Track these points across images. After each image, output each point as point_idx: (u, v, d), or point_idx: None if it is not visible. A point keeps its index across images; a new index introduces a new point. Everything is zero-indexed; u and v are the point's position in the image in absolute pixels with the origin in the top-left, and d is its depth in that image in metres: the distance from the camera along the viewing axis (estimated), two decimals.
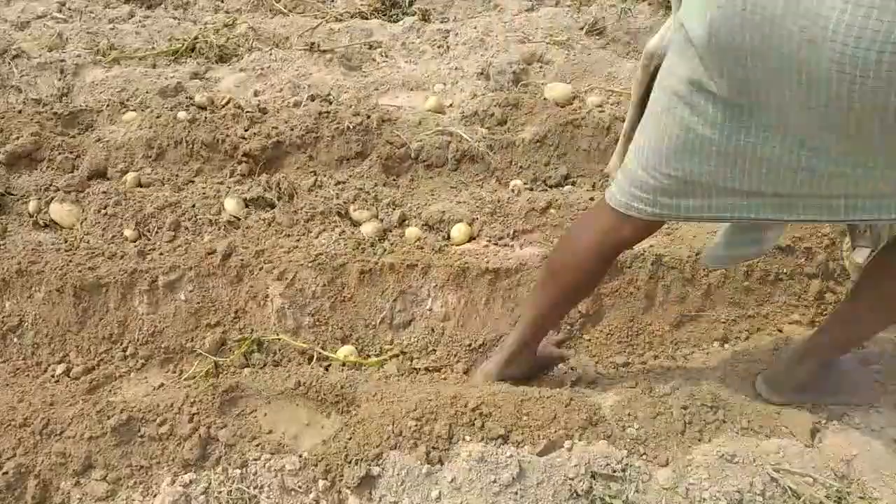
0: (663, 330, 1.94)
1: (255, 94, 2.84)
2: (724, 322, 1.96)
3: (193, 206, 2.17)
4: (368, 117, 2.54)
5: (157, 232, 2.13)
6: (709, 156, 1.20)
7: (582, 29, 3.02)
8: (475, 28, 3.03)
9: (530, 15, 3.11)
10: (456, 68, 2.88)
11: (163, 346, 1.95)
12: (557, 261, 1.58)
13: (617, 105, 2.55)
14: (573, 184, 2.46)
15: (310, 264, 1.96)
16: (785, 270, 2.02)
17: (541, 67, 2.91)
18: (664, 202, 1.31)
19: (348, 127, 2.50)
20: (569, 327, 1.95)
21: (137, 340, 1.96)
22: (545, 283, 1.60)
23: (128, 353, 1.95)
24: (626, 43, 2.99)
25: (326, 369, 1.88)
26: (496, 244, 2.10)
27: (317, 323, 1.94)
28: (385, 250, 2.04)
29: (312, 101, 2.76)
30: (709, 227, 2.04)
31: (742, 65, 1.07)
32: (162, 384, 1.89)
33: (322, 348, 1.92)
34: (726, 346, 1.90)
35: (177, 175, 2.47)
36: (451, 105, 2.76)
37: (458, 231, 2.10)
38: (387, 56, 3.01)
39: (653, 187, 1.30)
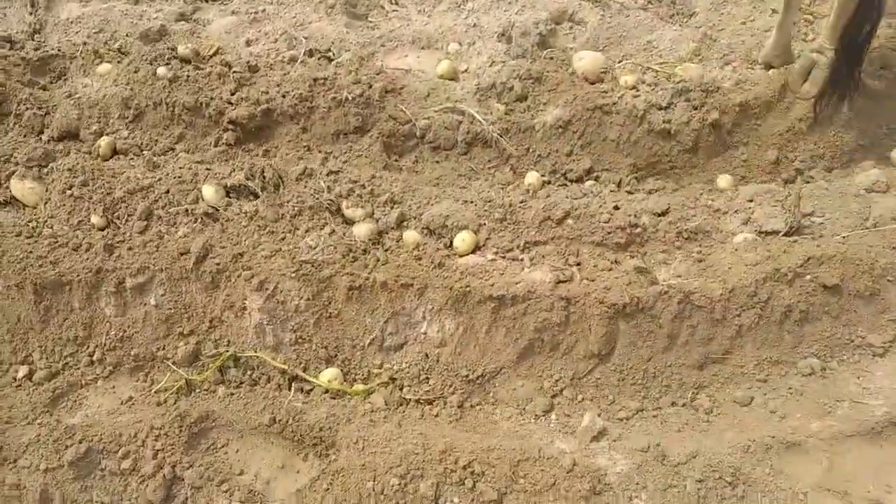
0: (683, 373, 1.74)
1: (247, 43, 2.52)
2: (756, 365, 1.75)
3: (168, 191, 1.93)
4: (370, 87, 2.24)
5: (127, 220, 1.91)
6: None
7: None
8: None
9: None
10: (474, 25, 2.54)
11: (132, 352, 1.78)
12: None
13: (654, 87, 2.22)
14: (596, 178, 2.18)
15: (293, 274, 1.74)
16: (827, 310, 1.79)
17: (571, 28, 2.55)
18: None
19: (347, 98, 2.21)
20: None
21: (105, 345, 1.78)
22: None
23: (94, 358, 1.78)
24: (671, 3, 2.61)
25: (308, 394, 1.71)
26: (504, 257, 1.87)
27: (299, 340, 1.74)
28: (379, 260, 1.81)
29: (311, 56, 2.44)
30: (748, 260, 1.79)
31: None
32: (130, 397, 1.73)
33: (304, 369, 1.74)
34: (755, 400, 1.69)
35: (156, 141, 2.21)
36: (465, 70, 2.44)
37: (463, 241, 1.87)
38: (397, 3, 2.66)
39: None
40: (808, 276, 1.77)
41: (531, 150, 2.22)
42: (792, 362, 1.76)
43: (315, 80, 2.26)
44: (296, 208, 1.92)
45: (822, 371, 1.74)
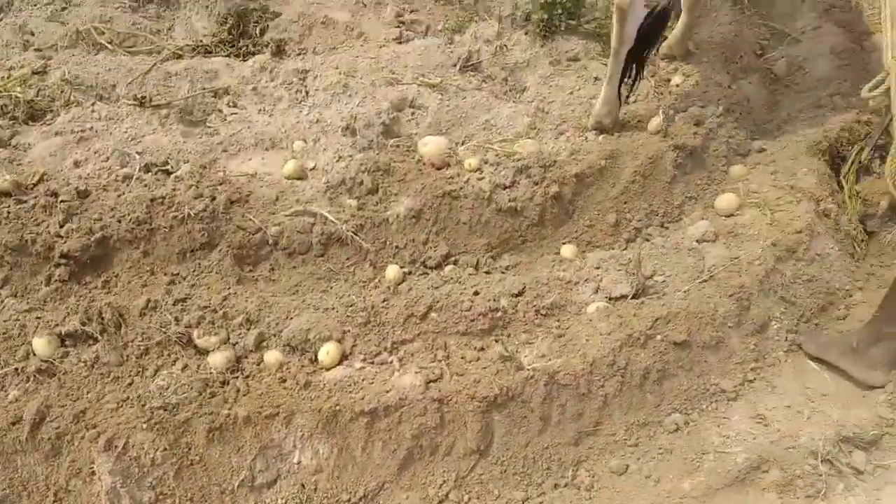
0: (561, 452, 1.77)
1: (76, 164, 2.37)
2: (626, 430, 1.81)
3: None
4: (214, 199, 2.17)
5: None
6: None
7: (455, 65, 2.73)
8: (337, 68, 2.67)
9: (399, 49, 2.78)
10: (317, 120, 2.53)
11: None
12: None
13: (496, 167, 2.30)
14: (455, 263, 2.21)
15: (145, 425, 1.62)
16: (681, 365, 1.89)
17: (413, 114, 2.61)
18: None
19: (189, 214, 2.12)
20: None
21: None
22: None
23: None
24: (504, 80, 2.74)
25: None
26: (372, 363, 1.84)
27: (160, 497, 1.61)
28: (240, 390, 1.73)
29: (147, 171, 2.33)
30: (602, 330, 1.86)
31: None
32: None
33: None
34: (630, 467, 1.75)
35: None
36: (313, 167, 2.42)
37: (327, 353, 1.82)
38: (235, 105, 2.61)
39: None
40: (659, 336, 1.87)
41: (388, 243, 2.22)
42: (658, 422, 1.84)
43: (153, 199, 2.15)
44: (141, 347, 1.80)
45: (685, 425, 1.83)
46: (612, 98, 2.41)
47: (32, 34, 2.84)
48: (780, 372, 1.95)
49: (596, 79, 2.67)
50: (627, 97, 2.46)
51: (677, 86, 2.60)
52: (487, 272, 2.19)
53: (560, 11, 2.73)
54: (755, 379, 1.92)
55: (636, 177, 2.32)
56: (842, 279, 2.17)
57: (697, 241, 2.19)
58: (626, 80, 2.38)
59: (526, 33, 2.81)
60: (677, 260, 2.11)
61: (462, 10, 2.97)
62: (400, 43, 2.85)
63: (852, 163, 2.43)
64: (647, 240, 2.26)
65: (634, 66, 2.36)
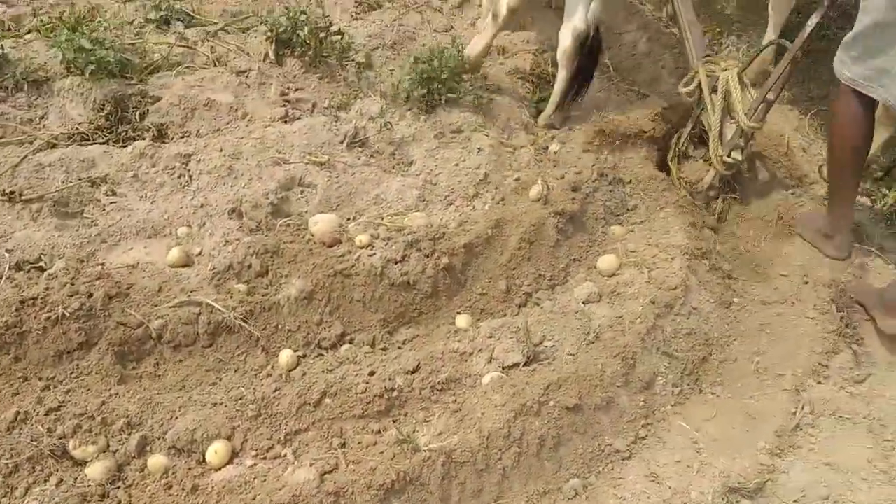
0: None
1: None
2: (527, 502, 1.83)
3: None
4: (91, 295, 2.07)
5: None
6: None
7: (342, 142, 2.77)
8: (221, 151, 2.64)
9: (285, 128, 2.79)
10: (202, 205, 2.49)
11: None
12: None
13: (387, 242, 2.33)
14: (351, 342, 2.20)
15: None
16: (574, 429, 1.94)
17: (302, 192, 2.61)
18: None
19: (64, 314, 2.01)
20: None
21: None
22: None
23: None
24: (391, 154, 2.79)
25: None
26: (265, 458, 1.78)
27: None
28: (121, 502, 1.62)
29: (19, 270, 2.21)
30: (497, 401, 1.89)
31: None
32: None
33: None
34: None
35: None
36: (200, 253, 2.36)
37: (216, 453, 1.75)
38: (115, 194, 2.52)
39: None
40: (551, 403, 1.91)
41: (280, 327, 2.18)
42: (557, 489, 1.87)
43: (22, 301, 2.03)
44: (10, 465, 1.67)
45: (584, 489, 1.87)
46: (558, 104, 2.86)
47: None
48: (669, 426, 2.03)
49: (479, 149, 2.78)
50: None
51: (555, 153, 2.74)
52: (384, 349, 2.19)
53: (439, 86, 2.83)
54: (646, 436, 1.99)
55: (522, 243, 2.40)
56: (719, 329, 2.31)
57: (584, 302, 2.28)
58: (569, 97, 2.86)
59: (409, 108, 2.89)
60: (565, 323, 2.18)
61: (347, 86, 3.02)
62: (286, 122, 2.85)
63: (674, 151, 2.88)
64: (538, 304, 2.34)
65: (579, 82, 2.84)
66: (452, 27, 3.42)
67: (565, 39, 2.72)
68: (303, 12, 3.03)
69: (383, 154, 2.80)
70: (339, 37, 3.03)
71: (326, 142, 2.77)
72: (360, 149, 2.79)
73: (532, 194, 2.52)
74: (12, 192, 2.41)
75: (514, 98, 3.07)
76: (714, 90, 2.66)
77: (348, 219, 2.52)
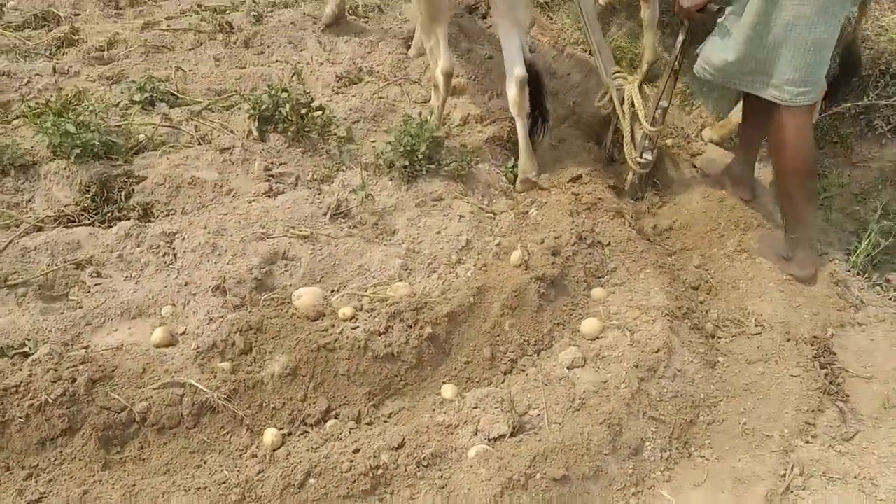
0: None
1: None
2: None
3: None
4: (74, 381, 2.07)
5: None
6: None
7: (325, 214, 2.81)
8: (206, 228, 2.68)
9: (268, 203, 2.83)
10: (186, 283, 2.51)
11: None
12: None
13: (371, 314, 2.34)
14: (337, 416, 2.19)
15: None
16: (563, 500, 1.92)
17: (286, 266, 2.63)
18: None
19: (47, 401, 2.01)
20: None
21: None
22: None
23: None
24: (374, 225, 2.83)
25: None
26: None
27: None
28: None
29: (3, 357, 2.21)
30: (483, 476, 1.87)
31: None
32: None
33: None
34: None
35: None
36: (184, 332, 2.37)
37: None
38: (100, 275, 2.54)
39: None
40: (538, 475, 1.90)
41: (265, 405, 2.17)
42: None
43: (5, 389, 2.03)
44: None
45: None
46: (530, 152, 3.00)
47: None
48: (660, 493, 2.01)
49: (461, 216, 2.82)
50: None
51: (535, 217, 2.79)
52: (370, 423, 2.18)
53: (420, 157, 2.90)
54: None
55: (505, 310, 2.42)
56: (705, 390, 2.31)
57: (568, 367, 2.28)
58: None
59: (391, 179, 2.95)
60: (550, 390, 2.18)
61: (329, 159, 3.09)
62: (270, 197, 2.90)
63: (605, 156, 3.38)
64: (523, 370, 2.34)
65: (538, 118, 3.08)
66: (430, 99, 3.51)
67: (512, 91, 2.91)
68: (284, 90, 3.12)
69: (366, 224, 2.84)
70: (319, 112, 3.11)
71: (310, 215, 2.82)
72: (343, 220, 2.83)
73: (513, 260, 2.55)
74: None
75: (493, 165, 3.14)
76: (622, 101, 3.10)
77: (332, 291, 2.54)
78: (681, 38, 2.84)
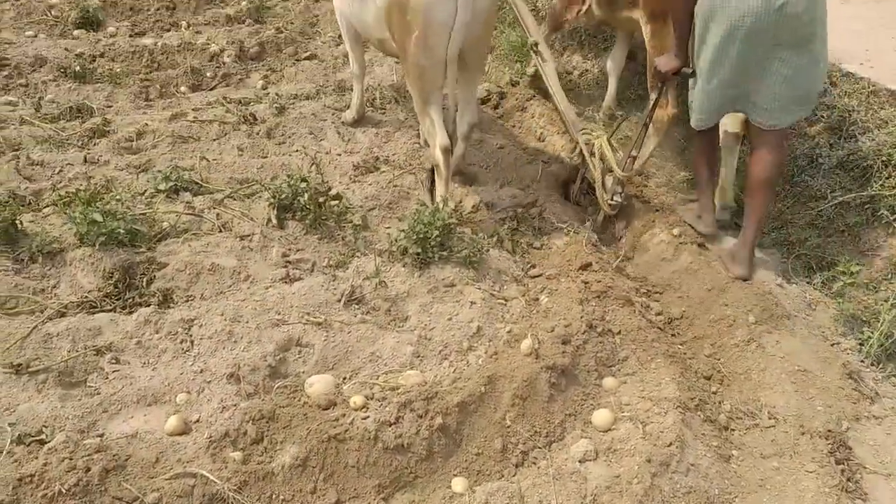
0: None
1: None
2: None
3: None
4: (88, 470, 2.08)
5: None
6: None
7: (340, 301, 2.87)
8: (223, 314, 2.74)
9: (285, 290, 2.91)
10: (202, 370, 2.55)
11: None
12: None
13: (382, 403, 2.36)
14: None
15: None
16: None
17: (300, 352, 2.68)
18: None
19: (61, 491, 2.02)
20: None
21: None
22: None
23: None
24: (387, 311, 2.88)
25: None
26: None
27: None
28: None
29: (20, 443, 2.24)
30: None
31: None
32: None
33: None
34: None
35: None
36: (197, 420, 2.39)
37: None
38: (118, 362, 2.60)
39: None
40: None
41: (274, 496, 2.17)
42: None
43: (20, 479, 2.05)
44: None
45: None
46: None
47: None
48: None
49: (472, 303, 2.87)
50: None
51: (544, 307, 2.83)
52: None
53: (433, 244, 2.97)
54: None
55: (516, 400, 2.43)
56: (719, 485, 2.27)
57: (580, 461, 2.26)
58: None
59: (404, 265, 3.02)
60: (561, 486, 2.16)
61: (345, 246, 3.18)
62: (286, 283, 2.98)
63: (572, 200, 3.86)
64: (534, 463, 2.32)
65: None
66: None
67: (437, 153, 3.28)
68: (304, 179, 3.25)
69: (379, 311, 2.89)
70: (336, 201, 3.22)
71: (324, 301, 2.88)
72: (356, 306, 2.89)
73: (523, 348, 2.57)
74: (19, 365, 2.49)
75: (503, 251, 3.21)
76: (592, 154, 3.56)
77: (344, 378, 2.57)
78: (653, 96, 3.30)
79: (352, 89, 4.25)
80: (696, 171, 3.47)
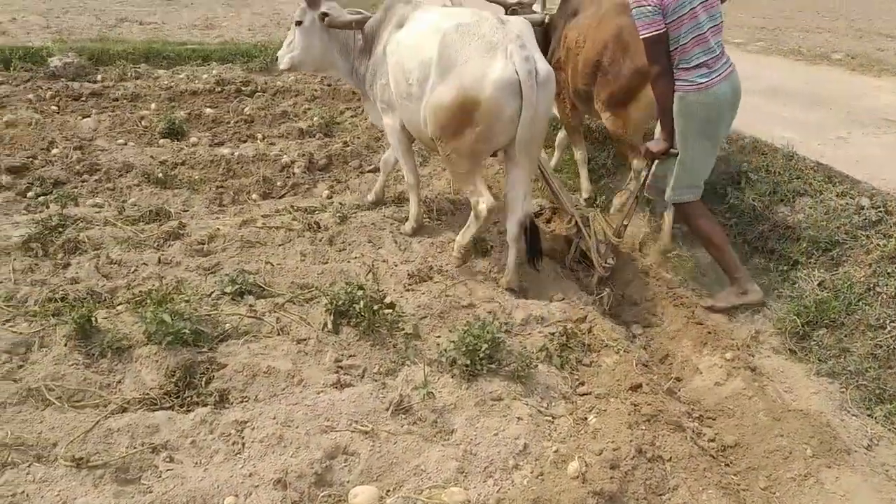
0: None
1: None
2: None
3: None
4: None
5: None
6: None
7: (387, 409, 2.92)
8: (275, 418, 2.82)
9: (335, 395, 2.98)
10: (251, 474, 2.60)
11: None
12: None
13: None
14: None
15: None
16: None
17: (346, 461, 2.70)
18: None
19: None
20: None
21: None
22: None
23: None
24: (433, 423, 2.90)
25: None
26: None
27: None
28: None
29: None
30: None
31: None
32: None
33: None
34: None
35: None
36: None
37: None
38: (172, 460, 2.68)
39: None
40: None
41: None
42: None
43: None
44: None
45: None
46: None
47: None
48: None
49: (519, 418, 2.87)
50: None
51: (593, 427, 2.80)
52: None
53: (481, 357, 3.02)
54: None
55: None
56: None
57: None
58: None
59: (452, 376, 3.07)
60: None
61: (395, 353, 3.26)
62: (337, 388, 3.05)
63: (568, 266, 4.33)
64: None
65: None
66: (494, 299, 3.71)
67: (481, 208, 3.73)
68: (360, 287, 3.38)
69: (425, 422, 2.91)
70: (390, 310, 3.33)
71: (373, 409, 2.93)
72: (403, 416, 2.93)
73: (570, 471, 2.54)
74: (80, 459, 2.59)
75: (552, 366, 3.22)
76: (587, 225, 4.17)
77: (388, 491, 2.57)
78: (644, 172, 3.95)
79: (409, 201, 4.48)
80: (716, 247, 3.77)
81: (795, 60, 8.16)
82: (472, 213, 3.83)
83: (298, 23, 4.44)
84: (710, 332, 3.47)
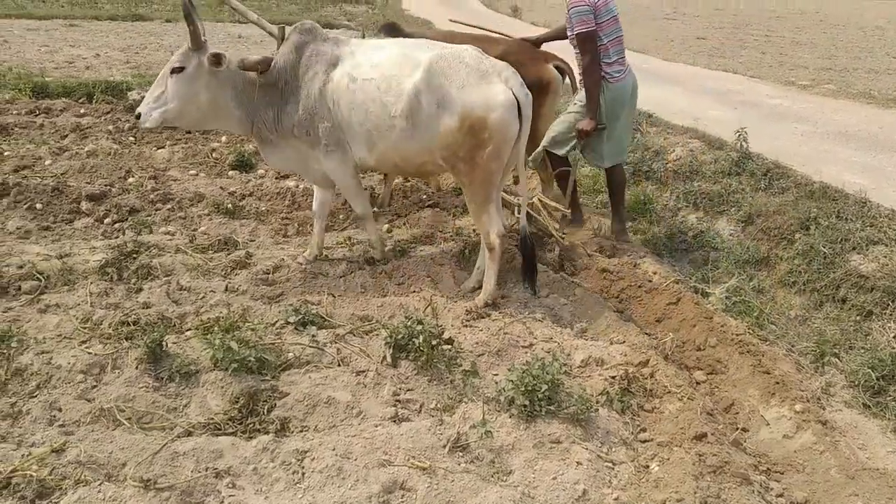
0: None
1: None
2: None
3: None
4: None
5: None
6: None
7: (445, 446, 2.91)
8: (334, 450, 2.85)
9: (393, 430, 2.99)
10: None
11: None
12: None
13: None
14: None
15: None
16: None
17: (402, 497, 2.70)
18: None
19: None
20: None
21: None
22: None
23: None
24: (490, 462, 2.88)
25: None
26: None
27: None
28: None
29: None
30: None
31: None
32: None
33: None
34: None
35: None
36: None
37: None
38: (234, 486, 2.73)
39: None
40: None
41: None
42: None
43: None
44: None
45: None
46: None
47: (60, 410, 3.10)
48: None
49: (578, 463, 2.82)
50: None
51: (655, 476, 2.73)
52: None
53: (540, 398, 2.99)
54: None
55: None
56: None
57: None
58: None
59: (510, 416, 3.04)
60: None
61: (453, 389, 3.26)
62: (395, 422, 3.07)
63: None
64: None
65: None
66: (552, 338, 3.68)
67: (493, 238, 3.97)
68: (420, 321, 3.42)
69: (483, 461, 2.89)
70: (449, 346, 3.35)
71: (430, 445, 2.93)
72: (461, 454, 2.91)
73: None
74: (148, 481, 2.67)
75: (612, 411, 3.17)
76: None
77: None
78: (577, 150, 4.75)
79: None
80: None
81: (867, 104, 7.96)
82: (486, 255, 4.03)
83: (177, 69, 3.79)
84: (777, 383, 3.35)
